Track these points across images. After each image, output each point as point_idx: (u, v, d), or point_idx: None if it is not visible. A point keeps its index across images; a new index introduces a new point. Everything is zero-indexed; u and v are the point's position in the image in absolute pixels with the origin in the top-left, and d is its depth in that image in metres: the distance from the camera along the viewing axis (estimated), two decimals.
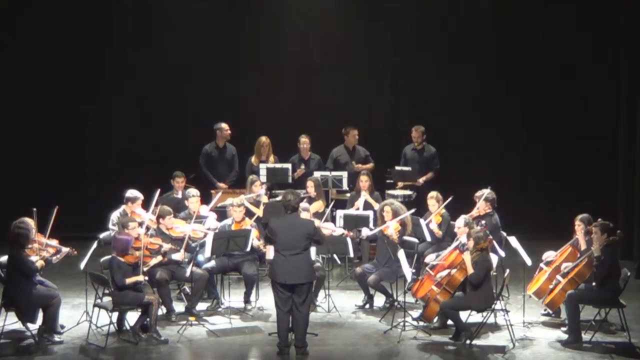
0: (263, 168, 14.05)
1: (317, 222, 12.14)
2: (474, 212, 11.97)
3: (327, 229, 12.20)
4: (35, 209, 10.83)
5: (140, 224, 11.15)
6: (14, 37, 15.63)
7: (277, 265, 9.99)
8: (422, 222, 12.15)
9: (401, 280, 11.34)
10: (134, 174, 14.28)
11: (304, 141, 14.58)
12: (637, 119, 14.25)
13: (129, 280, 10.45)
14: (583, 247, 11.06)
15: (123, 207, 12.06)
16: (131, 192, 12.06)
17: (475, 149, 15.77)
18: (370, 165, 14.50)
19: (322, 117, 15.69)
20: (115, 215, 12.05)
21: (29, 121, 15.78)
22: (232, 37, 15.90)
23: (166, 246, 11.18)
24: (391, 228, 11.67)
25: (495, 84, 15.76)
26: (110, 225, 12.04)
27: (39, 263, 10.54)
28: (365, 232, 12.25)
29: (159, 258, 11.01)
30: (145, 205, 12.00)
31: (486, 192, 12.10)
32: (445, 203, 12.34)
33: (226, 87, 15.87)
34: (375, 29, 15.86)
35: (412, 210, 12.04)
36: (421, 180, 14.39)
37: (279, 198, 13.50)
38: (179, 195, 13.13)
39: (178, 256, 11.28)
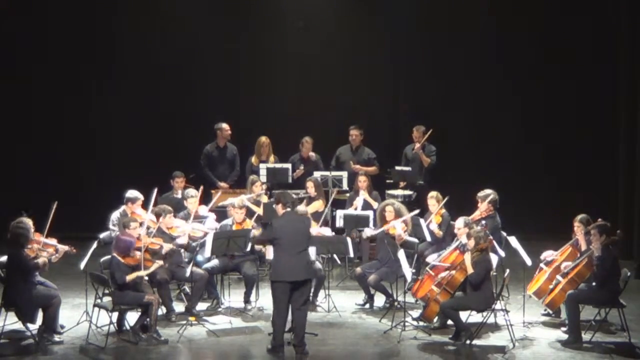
0: (263, 168, 14.05)
1: (314, 225, 12.18)
2: (477, 215, 11.95)
3: (324, 234, 12.21)
4: (24, 211, 10.80)
5: (141, 224, 11.15)
6: (13, 38, 15.63)
7: (282, 264, 9.96)
8: (422, 222, 12.15)
9: (401, 280, 11.34)
10: (133, 173, 14.29)
11: (308, 142, 14.53)
12: (637, 118, 14.25)
13: (129, 277, 10.43)
14: (583, 247, 11.06)
15: (123, 207, 12.05)
16: (131, 193, 12.05)
17: (475, 149, 15.77)
18: (371, 169, 14.43)
19: (322, 117, 15.69)
20: (115, 216, 12.04)
21: (29, 121, 15.78)
22: (232, 37, 15.90)
23: (167, 246, 11.18)
24: (398, 228, 11.66)
25: (495, 84, 15.77)
26: (110, 226, 12.03)
27: (42, 260, 10.51)
28: (368, 232, 12.21)
29: (160, 263, 10.99)
30: (145, 206, 11.99)
31: (489, 192, 12.08)
32: (443, 203, 12.34)
33: (226, 87, 15.87)
34: (376, 28, 15.87)
35: (417, 211, 12.07)
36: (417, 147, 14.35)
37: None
38: (179, 196, 13.13)
39: (183, 240, 11.31)
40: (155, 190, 11.98)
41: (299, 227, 10.10)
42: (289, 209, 10.24)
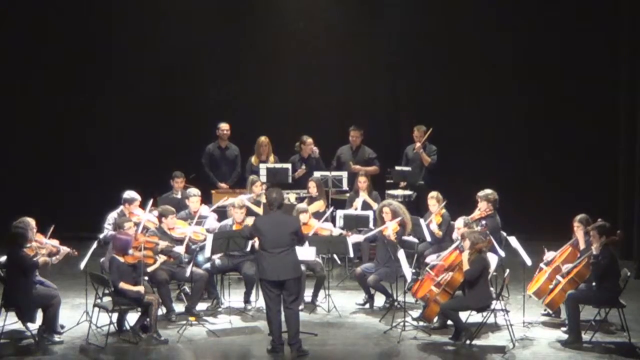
0: (263, 168, 14.05)
1: (316, 222, 12.17)
2: (476, 214, 11.95)
3: (326, 229, 12.21)
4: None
5: (137, 224, 11.14)
6: (12, 37, 15.63)
7: (265, 263, 10.02)
8: (422, 222, 12.15)
9: (401, 280, 11.34)
10: (133, 173, 14.30)
11: (309, 142, 14.53)
12: (637, 119, 14.24)
13: (123, 285, 10.41)
14: (582, 246, 11.06)
15: (121, 207, 12.05)
16: (128, 194, 12.05)
17: (475, 149, 15.75)
18: (371, 169, 14.42)
19: (322, 117, 15.69)
20: (112, 216, 12.03)
21: (29, 122, 15.77)
22: (232, 37, 15.90)
23: (162, 244, 11.18)
24: (389, 229, 11.66)
25: (495, 84, 15.75)
26: (105, 225, 12.00)
27: (42, 259, 10.52)
28: (355, 238, 12.23)
29: (163, 258, 10.98)
30: (143, 207, 11.99)
31: (489, 192, 12.09)
32: (441, 206, 12.34)
33: (226, 87, 15.86)
34: (376, 28, 15.85)
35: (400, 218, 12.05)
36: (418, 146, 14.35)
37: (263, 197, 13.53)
38: (179, 196, 13.14)
39: (180, 249, 11.31)
40: (151, 202, 11.96)
41: (281, 227, 10.07)
42: (274, 210, 10.20)
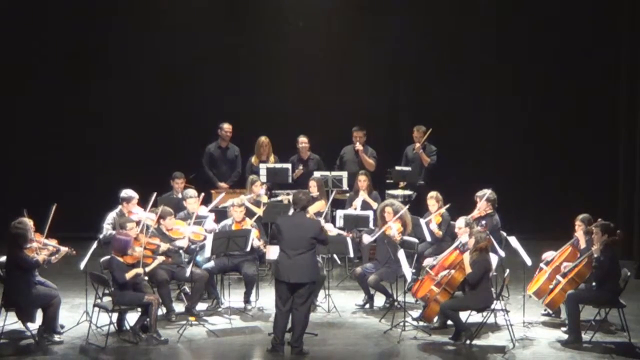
0: (263, 168, 14.05)
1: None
2: (475, 213, 11.96)
3: (327, 230, 12.21)
4: (25, 209, 10.78)
5: (138, 224, 11.14)
6: (13, 34, 15.62)
7: (281, 264, 10.04)
8: (422, 222, 12.16)
9: (401, 280, 11.34)
10: (133, 173, 14.26)
11: (302, 141, 14.57)
12: (637, 118, 14.24)
13: (128, 275, 10.43)
14: (582, 245, 11.07)
15: (120, 207, 12.04)
16: (126, 192, 12.04)
17: (475, 149, 15.76)
18: (369, 159, 14.42)
19: (322, 117, 15.69)
20: (111, 216, 12.02)
21: (28, 121, 15.77)
22: (232, 37, 15.89)
23: (164, 246, 11.18)
24: (394, 229, 11.66)
25: (495, 84, 15.75)
26: (104, 225, 11.99)
27: (42, 257, 10.51)
28: (367, 239, 12.25)
29: (161, 259, 11.00)
30: (142, 207, 11.98)
31: (487, 192, 12.11)
32: (445, 208, 12.35)
33: (226, 87, 15.86)
34: (376, 28, 15.84)
35: (407, 206, 12.04)
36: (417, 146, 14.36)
37: (280, 198, 13.52)
38: (179, 196, 13.13)
39: (183, 243, 11.32)
40: (154, 195, 11.95)
41: (300, 229, 10.06)
42: (297, 210, 10.23)
